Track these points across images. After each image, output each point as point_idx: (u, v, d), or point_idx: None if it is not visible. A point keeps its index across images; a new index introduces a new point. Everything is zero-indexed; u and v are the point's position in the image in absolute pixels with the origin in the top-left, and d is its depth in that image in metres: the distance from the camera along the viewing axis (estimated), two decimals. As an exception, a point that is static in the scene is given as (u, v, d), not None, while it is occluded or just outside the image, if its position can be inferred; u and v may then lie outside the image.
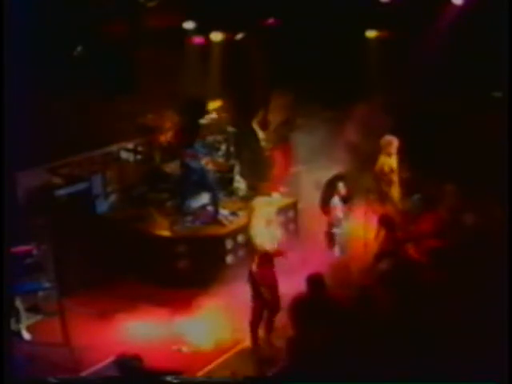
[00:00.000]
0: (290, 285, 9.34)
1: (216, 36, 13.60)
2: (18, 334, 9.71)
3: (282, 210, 12.20)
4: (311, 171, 12.43)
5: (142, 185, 12.61)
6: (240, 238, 11.50)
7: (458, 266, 9.17)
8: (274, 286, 9.50)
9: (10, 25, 8.11)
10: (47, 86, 10.72)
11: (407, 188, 12.18)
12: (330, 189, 11.53)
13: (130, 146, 12.86)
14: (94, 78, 11.65)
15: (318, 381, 6.82)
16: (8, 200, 8.32)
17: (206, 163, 11.91)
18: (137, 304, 10.35)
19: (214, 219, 11.79)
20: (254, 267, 9.46)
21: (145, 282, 11.10)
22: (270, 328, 9.62)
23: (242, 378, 8.47)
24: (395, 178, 11.91)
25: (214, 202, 11.87)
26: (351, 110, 12.60)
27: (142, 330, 9.77)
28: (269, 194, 12.50)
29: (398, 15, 12.58)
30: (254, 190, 12.67)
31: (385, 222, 10.59)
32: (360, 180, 12.01)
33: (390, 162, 11.88)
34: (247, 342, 9.62)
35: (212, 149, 12.75)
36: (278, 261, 9.70)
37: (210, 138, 12.75)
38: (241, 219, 11.75)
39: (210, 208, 11.97)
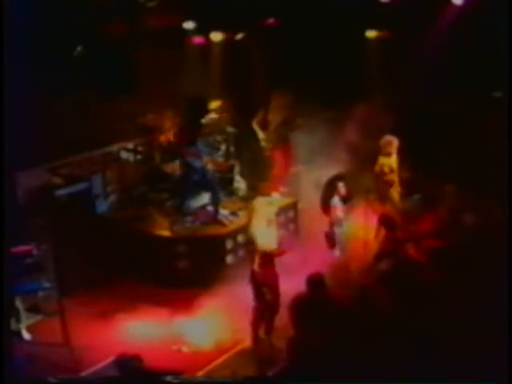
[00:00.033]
0: (290, 285, 9.34)
1: (216, 36, 13.60)
2: (18, 334, 9.71)
3: (282, 210, 12.21)
4: (311, 171, 12.43)
5: (142, 185, 12.61)
6: (240, 238, 11.50)
7: (458, 266, 9.17)
8: (275, 287, 9.51)
9: (10, 25, 8.11)
10: (47, 86, 10.72)
11: (407, 188, 12.18)
12: (330, 189, 11.53)
13: (130, 146, 12.86)
14: (94, 78, 11.65)
15: (318, 381, 6.82)
16: (8, 200, 8.31)
17: (206, 163, 11.91)
18: (137, 304, 10.35)
19: (214, 219, 11.79)
20: (256, 267, 9.46)
21: (145, 282, 11.09)
22: (269, 328, 9.62)
23: (242, 378, 8.47)
24: (395, 177, 11.92)
25: (215, 201, 11.87)
26: (351, 110, 12.60)
27: (142, 330, 9.77)
28: (269, 194, 12.51)
29: (398, 15, 12.58)
30: (254, 190, 12.67)
31: (385, 221, 10.59)
32: (360, 180, 12.02)
33: (389, 162, 11.89)
34: (247, 342, 9.62)
35: (212, 149, 12.75)
36: (278, 261, 9.71)
37: (210, 138, 12.75)
38: (241, 219, 11.76)
39: (210, 208, 11.97)
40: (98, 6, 11.43)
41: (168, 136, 12.50)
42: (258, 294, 9.46)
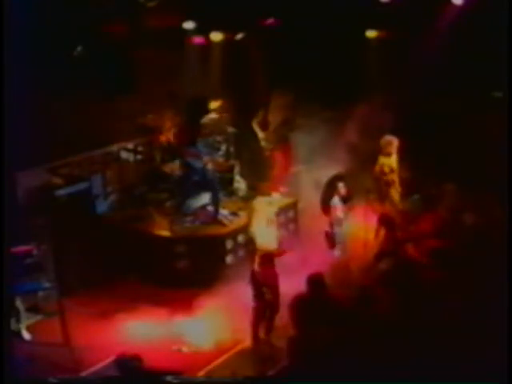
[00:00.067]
0: (290, 285, 9.35)
1: (216, 36, 13.60)
2: (18, 334, 9.71)
3: (282, 210, 12.21)
4: (311, 171, 12.42)
5: (142, 185, 12.62)
6: (240, 238, 11.50)
7: (458, 266, 9.18)
8: (275, 286, 9.52)
9: (10, 25, 8.11)
10: (47, 86, 10.72)
11: (407, 188, 12.19)
12: (330, 189, 11.54)
13: (130, 146, 12.86)
14: (94, 78, 11.65)
15: (318, 381, 6.82)
16: (8, 200, 8.31)
17: (205, 163, 11.91)
18: (137, 304, 10.35)
19: (214, 219, 11.78)
20: (257, 267, 9.47)
21: (145, 282, 11.10)
22: (270, 328, 9.63)
23: (242, 377, 8.47)
24: (395, 177, 11.92)
25: (215, 201, 11.86)
26: (351, 110, 12.61)
27: (142, 330, 9.76)
28: (269, 194, 12.52)
29: (398, 15, 12.58)
30: (254, 190, 12.69)
31: (385, 221, 10.60)
32: (360, 180, 12.02)
33: (389, 162, 11.89)
34: (247, 342, 9.61)
35: (212, 149, 12.75)
36: (278, 261, 9.72)
37: (210, 139, 12.76)
38: (241, 219, 11.76)
39: (210, 208, 11.96)
40: (98, 6, 11.43)
41: (168, 136, 12.50)
42: (258, 294, 9.46)
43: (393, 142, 11.87)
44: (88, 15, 11.29)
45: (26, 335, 9.81)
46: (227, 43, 13.69)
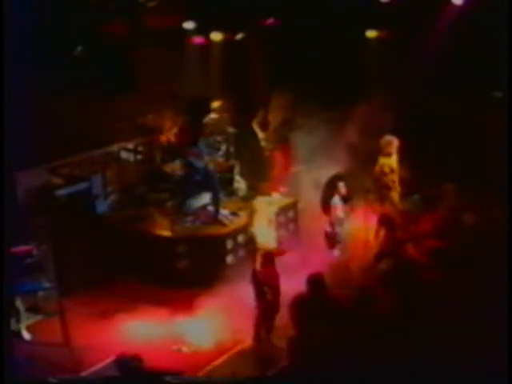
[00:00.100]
0: (290, 285, 9.35)
1: (216, 36, 13.60)
2: (18, 334, 9.71)
3: (282, 210, 12.22)
4: (311, 171, 12.42)
5: (142, 185, 12.61)
6: (240, 238, 11.50)
7: (458, 266, 9.18)
8: (276, 286, 9.52)
9: (10, 25, 8.11)
10: (47, 86, 10.72)
11: (407, 188, 12.18)
12: (330, 188, 11.53)
13: (130, 146, 12.86)
14: (94, 78, 11.65)
15: (318, 381, 6.82)
16: (8, 200, 8.30)
17: (207, 163, 11.91)
18: (137, 304, 10.35)
19: (215, 219, 11.78)
20: (258, 266, 9.47)
21: (145, 282, 11.10)
22: (270, 328, 9.62)
23: (242, 377, 8.46)
24: (395, 178, 11.92)
25: (216, 201, 11.86)
26: (351, 110, 12.60)
27: (142, 330, 9.76)
28: (269, 194, 12.52)
29: (398, 15, 12.58)
30: (254, 190, 12.68)
31: (385, 221, 10.60)
32: (360, 180, 12.02)
33: (390, 162, 11.89)
34: (247, 342, 9.61)
35: (213, 148, 12.75)
36: (278, 261, 9.71)
37: (210, 139, 12.76)
38: (241, 219, 11.76)
39: (210, 208, 11.96)
40: (97, 6, 11.43)
41: (168, 136, 12.50)
42: (260, 294, 9.46)
43: (393, 142, 11.87)
44: (88, 15, 11.29)
45: (26, 335, 9.81)
46: (227, 43, 13.69)
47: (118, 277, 11.15)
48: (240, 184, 12.90)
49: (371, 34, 13.74)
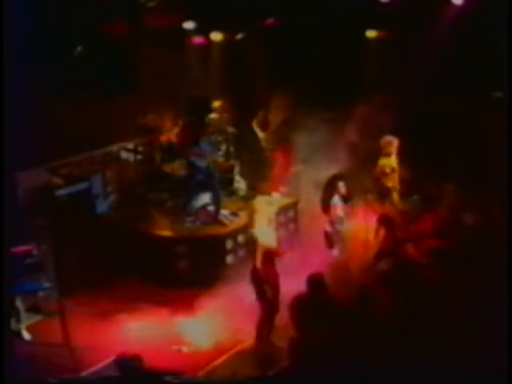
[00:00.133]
0: (291, 285, 9.34)
1: (216, 36, 13.60)
2: (18, 334, 9.71)
3: (282, 210, 12.21)
4: (311, 171, 12.42)
5: (142, 185, 12.61)
6: (240, 238, 11.50)
7: (458, 266, 9.17)
8: (276, 286, 9.52)
9: (10, 25, 8.11)
10: (47, 86, 10.72)
11: (407, 188, 12.18)
12: (330, 188, 11.53)
13: (130, 146, 12.86)
14: (94, 78, 11.65)
15: (318, 381, 6.82)
16: (8, 200, 8.31)
17: (209, 162, 11.91)
18: (137, 304, 10.35)
19: (215, 219, 11.78)
20: (258, 264, 9.47)
21: (145, 282, 11.09)
22: (270, 327, 9.62)
23: (242, 377, 8.46)
24: (395, 177, 11.92)
25: (216, 201, 11.86)
26: (351, 109, 12.60)
27: (142, 330, 9.76)
28: (269, 194, 12.51)
29: (398, 15, 12.58)
30: (254, 190, 12.67)
31: (384, 221, 10.60)
32: (360, 180, 12.02)
33: (390, 162, 11.89)
34: (247, 342, 9.61)
35: (215, 147, 12.76)
36: (278, 261, 9.71)
37: (212, 137, 12.76)
38: (241, 219, 11.76)
39: (210, 208, 11.96)
40: (97, 6, 11.43)
41: (168, 136, 12.50)
42: (261, 292, 9.45)
43: (393, 142, 11.88)
44: (88, 15, 11.29)
45: (26, 335, 9.81)
46: (227, 43, 13.70)
47: (118, 277, 11.15)
48: (240, 184, 12.90)
49: (371, 33, 13.75)
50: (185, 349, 9.54)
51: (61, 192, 11.45)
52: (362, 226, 11.54)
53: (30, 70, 9.92)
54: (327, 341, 7.49)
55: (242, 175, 12.98)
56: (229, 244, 11.45)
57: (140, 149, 12.90)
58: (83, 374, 8.88)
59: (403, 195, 12.12)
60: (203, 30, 13.39)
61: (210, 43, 13.71)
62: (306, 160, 12.63)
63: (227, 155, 13.07)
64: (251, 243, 11.31)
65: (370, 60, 13.80)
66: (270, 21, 13.52)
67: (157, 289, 10.91)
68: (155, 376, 7.06)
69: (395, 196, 11.95)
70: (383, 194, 11.87)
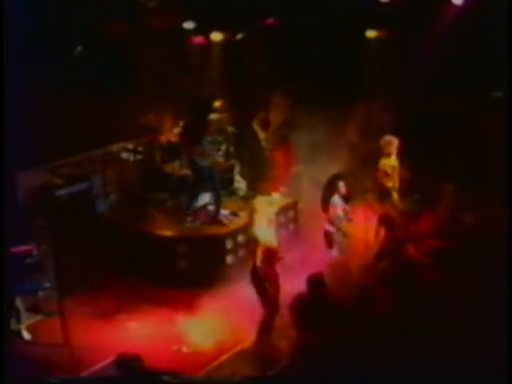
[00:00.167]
0: (290, 285, 9.34)
1: (216, 36, 13.60)
2: (18, 334, 9.71)
3: (282, 210, 12.22)
4: (311, 171, 12.42)
5: (142, 185, 12.61)
6: (240, 238, 11.50)
7: (458, 266, 9.17)
8: (276, 285, 9.52)
9: (10, 25, 8.12)
10: (47, 86, 10.71)
11: (407, 188, 12.18)
12: (330, 187, 11.54)
13: (130, 146, 12.86)
14: (94, 78, 11.65)
15: (318, 381, 6.82)
16: (8, 200, 8.31)
17: (211, 161, 11.92)
18: (137, 304, 10.35)
19: (215, 219, 11.78)
20: (259, 263, 9.47)
21: (145, 282, 11.09)
22: (270, 327, 9.62)
23: (242, 377, 8.46)
24: (396, 177, 11.93)
25: (217, 201, 11.86)
26: (351, 109, 12.60)
27: (142, 330, 9.76)
28: (269, 194, 12.51)
29: (398, 15, 12.58)
30: (254, 190, 12.67)
31: (385, 221, 10.60)
32: (360, 180, 12.02)
33: (391, 162, 11.90)
34: (247, 342, 9.61)
35: (217, 146, 12.77)
36: (278, 261, 9.72)
37: (214, 136, 12.77)
38: (241, 219, 11.76)
39: (210, 208, 11.96)
40: (97, 6, 11.43)
41: (168, 136, 12.50)
42: (262, 290, 9.45)
43: (393, 142, 11.88)
44: (88, 15, 11.28)
45: (26, 335, 9.81)
46: (227, 43, 13.69)
47: (117, 277, 11.15)
48: (240, 184, 12.90)
49: (371, 33, 13.73)
50: (185, 349, 9.54)
51: (61, 192, 11.45)
52: (361, 226, 11.54)
53: (30, 70, 9.92)
54: (327, 341, 7.49)
55: (242, 175, 12.99)
56: (229, 244, 11.46)
57: (140, 149, 12.90)
58: (83, 374, 8.88)
59: (403, 195, 12.12)
60: (203, 30, 13.38)
61: (209, 43, 13.70)
62: (305, 160, 12.64)
63: (227, 155, 13.07)
64: (251, 243, 11.32)
65: (370, 60, 13.78)
66: (270, 21, 13.51)
67: (157, 289, 10.91)
68: (155, 376, 7.06)
69: (395, 196, 11.96)
70: (383, 193, 11.87)
